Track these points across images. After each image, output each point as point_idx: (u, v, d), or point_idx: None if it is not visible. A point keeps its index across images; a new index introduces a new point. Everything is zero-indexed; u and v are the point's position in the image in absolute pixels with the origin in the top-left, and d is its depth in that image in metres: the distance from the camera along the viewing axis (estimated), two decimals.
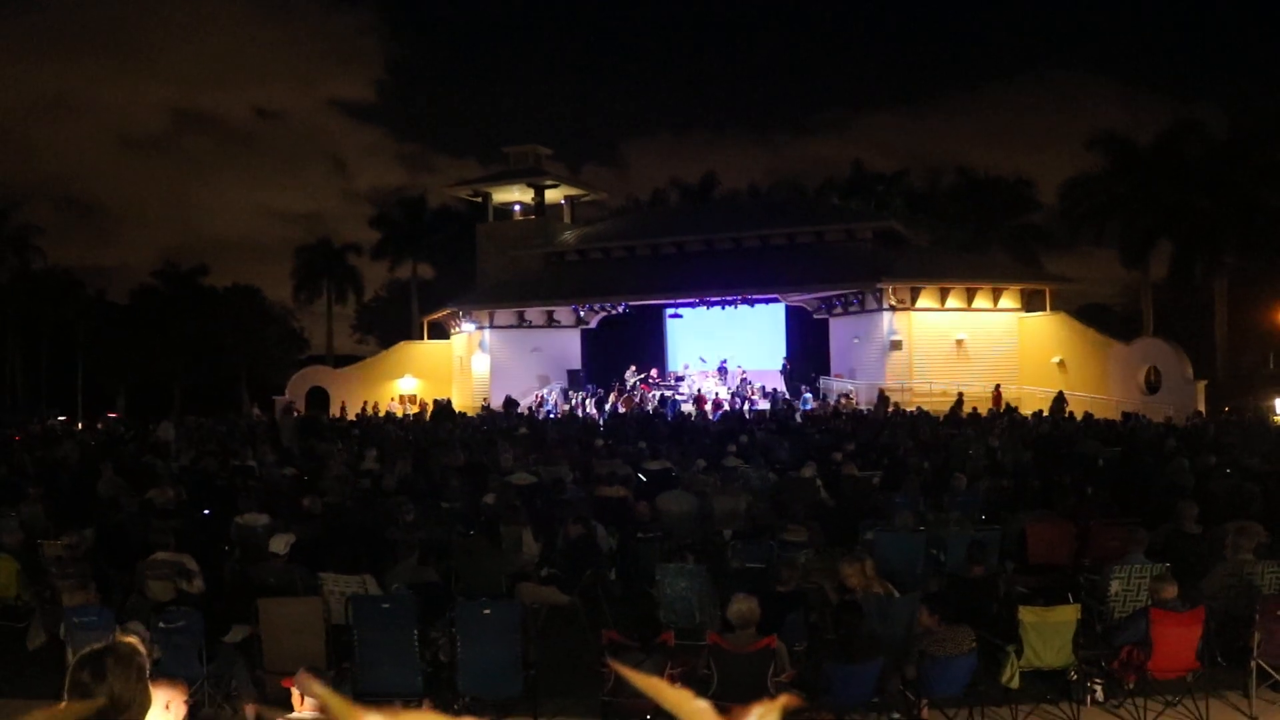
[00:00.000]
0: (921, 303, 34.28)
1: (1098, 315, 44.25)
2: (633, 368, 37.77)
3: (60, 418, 31.93)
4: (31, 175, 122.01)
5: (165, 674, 3.36)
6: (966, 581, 8.68)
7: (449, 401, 36.35)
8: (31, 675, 8.27)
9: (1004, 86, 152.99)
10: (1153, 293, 40.61)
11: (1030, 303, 35.22)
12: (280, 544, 9.46)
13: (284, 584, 8.72)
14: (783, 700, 0.70)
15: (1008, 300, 34.91)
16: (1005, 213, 48.73)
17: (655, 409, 32.08)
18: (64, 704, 2.92)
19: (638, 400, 34.31)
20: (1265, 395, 33.31)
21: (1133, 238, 38.91)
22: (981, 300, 34.63)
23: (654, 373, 38.32)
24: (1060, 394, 29.50)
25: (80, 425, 35.23)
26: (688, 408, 32.03)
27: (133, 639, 3.20)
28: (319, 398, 41.30)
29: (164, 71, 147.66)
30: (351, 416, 33.43)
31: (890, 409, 27.85)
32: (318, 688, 0.75)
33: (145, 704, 2.99)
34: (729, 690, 6.39)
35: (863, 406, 31.10)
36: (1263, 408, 31.56)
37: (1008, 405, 29.63)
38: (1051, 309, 34.80)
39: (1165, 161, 37.79)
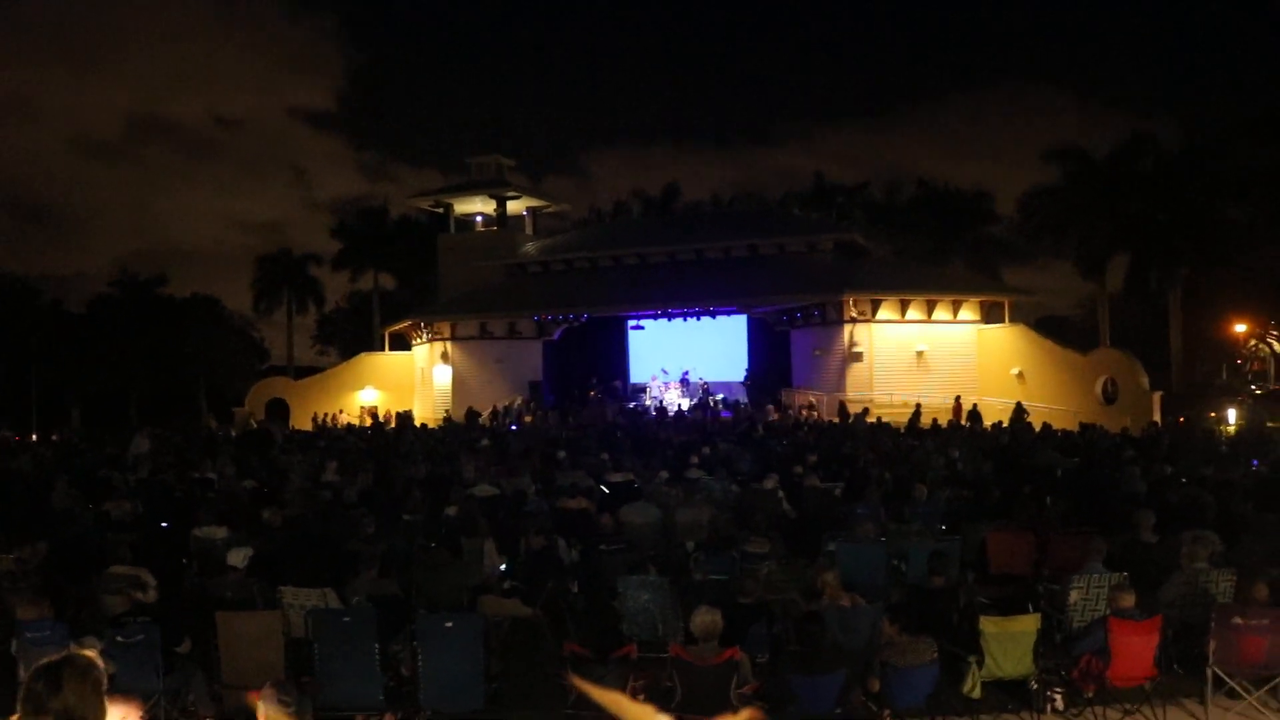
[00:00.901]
0: (882, 314, 34.49)
1: (1056, 327, 44.77)
2: (594, 380, 37.77)
3: (14, 436, 31.34)
4: None
5: (121, 689, 3.30)
6: (928, 592, 8.72)
7: (409, 413, 36.16)
8: None
9: (963, 99, 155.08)
10: (1109, 304, 41.13)
11: (989, 314, 35.53)
12: (238, 557, 9.37)
13: (242, 597, 8.63)
14: (746, 714, 0.69)
15: (967, 312, 35.21)
16: (965, 224, 49.25)
17: (616, 420, 32.05)
18: (14, 718, 2.86)
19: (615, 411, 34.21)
20: (1218, 406, 33.78)
21: (1090, 249, 39.37)
22: (941, 312, 34.91)
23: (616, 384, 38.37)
24: (1019, 405, 29.77)
25: (34, 437, 34.69)
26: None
27: (91, 652, 3.14)
28: (279, 409, 40.93)
29: (122, 77, 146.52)
30: (309, 428, 33.11)
31: (865, 417, 27.95)
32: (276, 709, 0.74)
33: (100, 718, 2.93)
34: (692, 703, 6.38)
35: (827, 418, 31.20)
36: (1209, 419, 32.01)
37: (971, 415, 29.85)
38: (1010, 321, 35.13)
39: (1121, 174, 38.32)
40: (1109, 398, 31.75)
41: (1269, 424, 29.57)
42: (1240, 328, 41.93)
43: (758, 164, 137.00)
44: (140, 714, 3.95)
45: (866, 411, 29.03)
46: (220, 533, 11.13)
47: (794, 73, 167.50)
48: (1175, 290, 38.72)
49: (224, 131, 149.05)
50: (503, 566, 10.59)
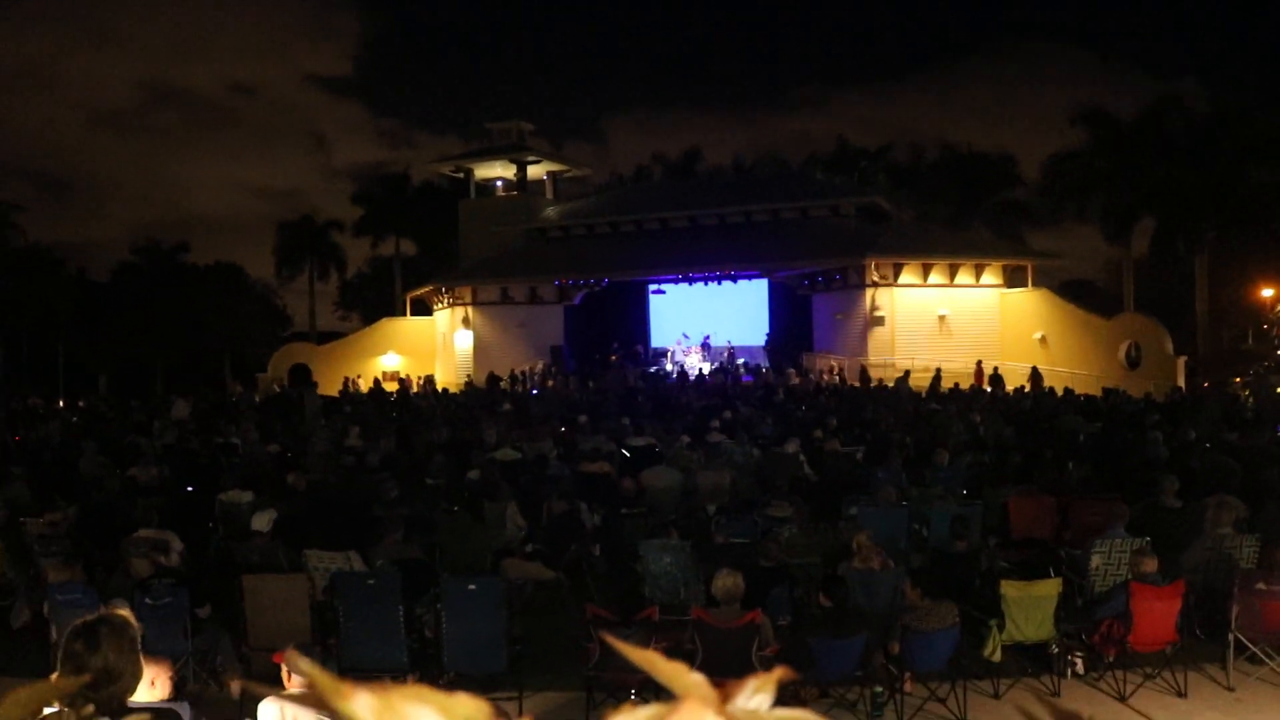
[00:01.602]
0: (904, 278, 34.29)
1: (1080, 291, 44.40)
2: (615, 344, 37.79)
3: (39, 399, 31.66)
4: (3, 151, 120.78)
5: (149, 651, 3.35)
6: (949, 556, 8.74)
7: (430, 378, 36.33)
8: (16, 653, 8.25)
9: (986, 61, 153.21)
10: (1134, 269, 40.74)
11: (1012, 279, 35.25)
12: (263, 521, 9.46)
13: (267, 561, 8.71)
14: (778, 674, 0.69)
15: (990, 276, 34.95)
16: (988, 188, 48.73)
17: (637, 384, 32.07)
18: (54, 677, 2.91)
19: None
20: (1243, 371, 33.51)
21: (1115, 213, 38.91)
22: (964, 276, 34.66)
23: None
24: (1035, 369, 29.64)
25: (62, 404, 35.00)
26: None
27: (125, 611, 3.19)
28: (302, 374, 41.14)
29: (138, 46, 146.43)
30: (334, 393, 33.26)
31: (907, 381, 27.81)
32: (305, 665, 0.74)
33: (137, 675, 2.98)
34: (713, 665, 6.42)
35: (849, 383, 31.12)
36: (1234, 384, 31.73)
37: (993, 379, 29.71)
38: (1033, 285, 34.84)
39: (1147, 137, 37.78)
40: (1133, 363, 31.53)
41: None
42: (1267, 292, 41.35)
43: (779, 128, 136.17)
44: (169, 675, 4.00)
45: (907, 375, 28.92)
46: (245, 497, 11.23)
47: (815, 35, 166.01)
48: (1202, 255, 38.29)
49: (241, 99, 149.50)
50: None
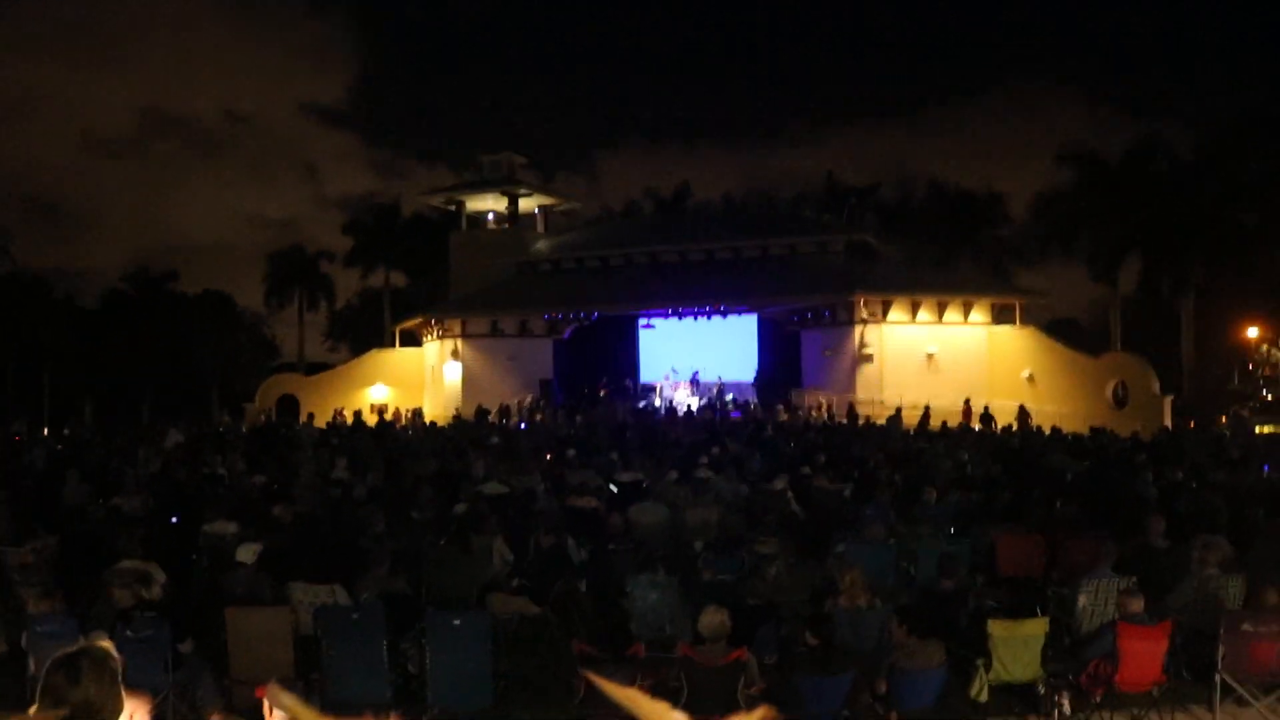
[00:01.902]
0: (893, 316, 34.47)
1: (1067, 330, 44.59)
2: (604, 378, 37.79)
3: (24, 426, 31.54)
4: None
5: (130, 684, 3.32)
6: (937, 595, 8.71)
7: (419, 410, 36.27)
8: None
9: (974, 100, 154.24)
10: (1121, 308, 40.98)
11: (1000, 316, 35.45)
12: (248, 553, 9.37)
13: (252, 593, 8.64)
14: (762, 712, 0.69)
15: (978, 314, 35.15)
16: (976, 226, 49.06)
17: (625, 419, 32.04)
18: (32, 710, 2.88)
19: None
20: (1229, 411, 33.68)
21: (1101, 252, 39.25)
22: (952, 313, 34.86)
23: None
24: (1022, 407, 29.74)
25: (46, 431, 34.80)
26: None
27: (106, 643, 3.16)
28: (290, 405, 41.03)
29: (133, 72, 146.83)
30: (321, 424, 33.17)
31: (898, 421, 27.85)
32: (288, 700, 0.74)
33: (118, 709, 2.94)
34: (700, 703, 6.37)
35: (838, 419, 31.15)
36: (1220, 424, 31.90)
37: (984, 417, 29.79)
38: (1021, 323, 35.06)
39: (1133, 177, 38.16)
40: (1120, 402, 31.66)
41: (1261, 429, 29.45)
42: (1253, 332, 41.67)
43: (769, 164, 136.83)
44: (150, 709, 3.96)
45: (899, 414, 28.97)
46: (230, 528, 11.14)
47: (806, 73, 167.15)
48: (1187, 294, 38.55)
49: (235, 127, 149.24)
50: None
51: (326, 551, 10.19)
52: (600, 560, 10.57)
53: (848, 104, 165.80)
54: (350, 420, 33.31)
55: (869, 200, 53.31)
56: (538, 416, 34.63)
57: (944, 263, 45.19)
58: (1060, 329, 41.68)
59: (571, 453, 19.57)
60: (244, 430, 29.46)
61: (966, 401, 31.23)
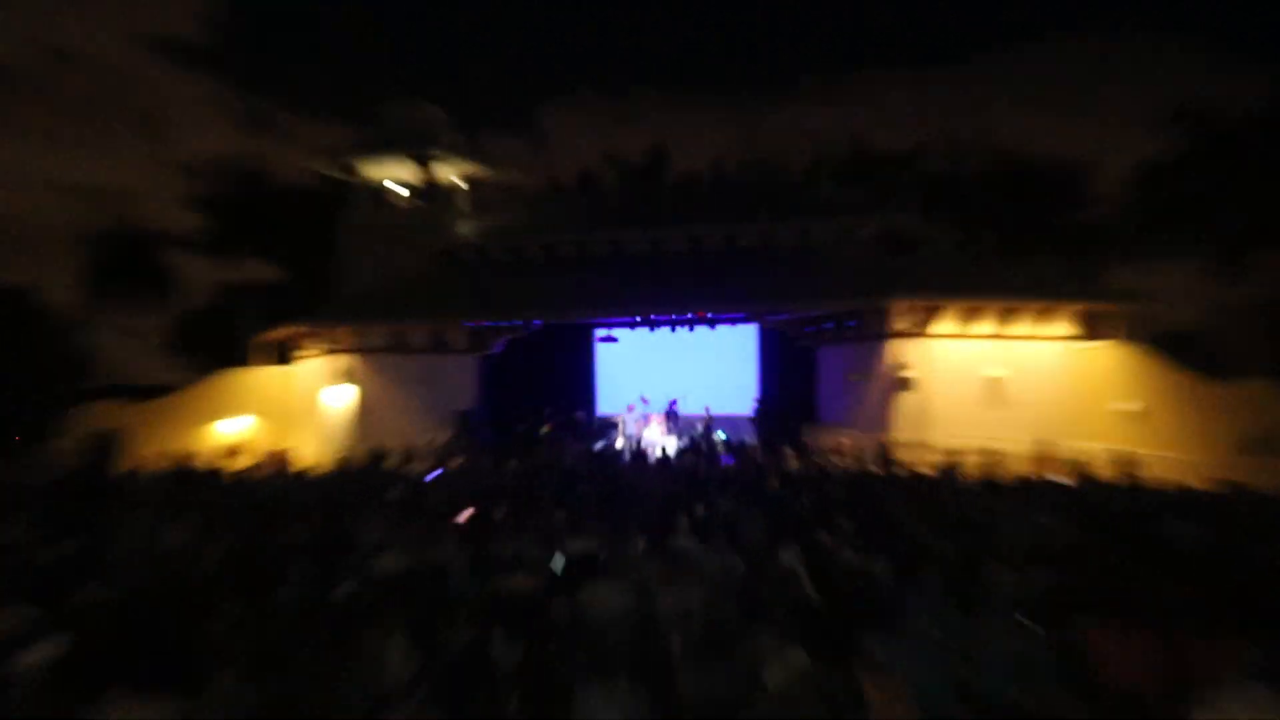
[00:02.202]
0: (941, 327, 34.56)
1: (1184, 346, 44.98)
2: (547, 410, 37.75)
3: None
4: None
5: None
6: (1007, 714, 8.60)
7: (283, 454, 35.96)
8: None
9: (1050, 42, 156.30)
10: (1258, 317, 41.34)
11: (1091, 328, 35.61)
12: (39, 655, 9.11)
13: (38, 717, 8.37)
14: None
15: (1059, 325, 35.30)
16: (1054, 207, 49.57)
17: (576, 465, 31.97)
18: None
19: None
20: None
21: (1226, 243, 39.63)
22: (1023, 325, 34.99)
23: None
24: (1124, 453, 29.79)
25: None
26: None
27: None
28: (109, 444, 40.66)
29: None
30: (154, 471, 32.89)
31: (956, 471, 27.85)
32: None
33: None
34: None
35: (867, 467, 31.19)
36: None
37: (1071, 466, 29.84)
38: (1121, 337, 35.19)
39: (1271, 143, 38.57)
40: (1263, 447, 31.78)
41: None
42: None
43: (774, 122, 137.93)
44: None
45: (952, 461, 28.94)
46: (11, 621, 10.86)
47: (827, 4, 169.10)
48: None
49: (48, 66, 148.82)
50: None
51: (156, 652, 9.97)
52: (538, 666, 10.40)
53: (879, 43, 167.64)
54: (195, 466, 33.01)
55: (909, 172, 53.81)
56: (455, 461, 34.47)
57: (1011, 256, 45.54)
58: (1175, 345, 42.02)
59: (501, 512, 19.43)
60: (43, 479, 29.08)
61: (1045, 444, 31.31)
